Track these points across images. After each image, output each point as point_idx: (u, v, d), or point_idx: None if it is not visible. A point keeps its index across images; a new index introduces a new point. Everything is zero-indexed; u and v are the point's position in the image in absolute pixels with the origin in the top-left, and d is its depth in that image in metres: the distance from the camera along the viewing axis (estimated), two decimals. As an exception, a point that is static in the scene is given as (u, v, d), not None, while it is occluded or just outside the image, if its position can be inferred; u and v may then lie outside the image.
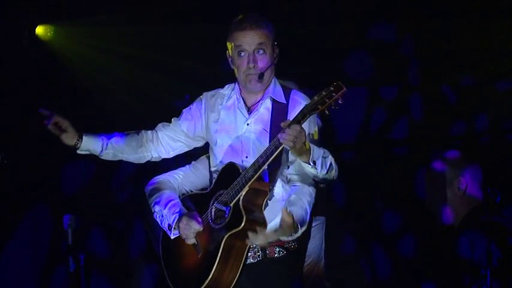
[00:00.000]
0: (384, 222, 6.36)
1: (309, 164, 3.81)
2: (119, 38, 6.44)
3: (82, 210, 6.37)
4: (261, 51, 4.00)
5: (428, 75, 6.30)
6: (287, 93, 4.07)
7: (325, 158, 3.87)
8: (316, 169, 3.83)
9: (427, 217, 5.69)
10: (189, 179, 4.24)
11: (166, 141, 4.24)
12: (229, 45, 4.08)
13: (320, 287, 4.91)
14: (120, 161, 4.30)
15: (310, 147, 3.80)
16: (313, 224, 4.50)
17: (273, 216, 3.93)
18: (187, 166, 4.30)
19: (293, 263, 4.03)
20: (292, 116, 3.85)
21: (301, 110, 3.75)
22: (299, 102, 4.01)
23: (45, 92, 6.47)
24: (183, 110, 4.27)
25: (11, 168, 4.44)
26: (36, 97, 6.43)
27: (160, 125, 4.28)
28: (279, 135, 3.74)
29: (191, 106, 4.24)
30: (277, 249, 3.97)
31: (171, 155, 4.29)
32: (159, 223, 4.11)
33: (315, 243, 4.80)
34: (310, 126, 3.96)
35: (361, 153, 6.29)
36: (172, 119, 4.27)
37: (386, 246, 6.34)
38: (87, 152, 4.21)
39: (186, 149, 4.29)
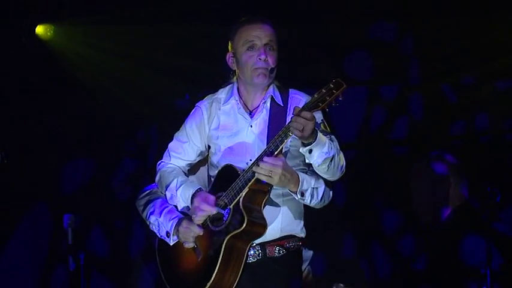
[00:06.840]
0: (384, 222, 6.36)
1: (296, 195, 3.78)
2: (119, 38, 6.45)
3: (82, 209, 6.36)
4: (271, 48, 3.93)
5: (428, 74, 6.30)
6: (285, 96, 4.00)
7: (316, 188, 3.84)
8: (304, 199, 3.81)
9: (426, 216, 5.71)
10: None
11: (186, 162, 4.12)
12: (234, 43, 3.97)
13: None
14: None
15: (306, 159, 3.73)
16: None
17: (275, 215, 3.93)
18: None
19: (293, 262, 4.00)
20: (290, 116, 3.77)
21: (302, 107, 3.66)
22: (299, 100, 3.97)
23: (45, 91, 6.47)
24: (186, 131, 4.10)
25: (11, 168, 4.44)
26: (36, 97, 6.44)
27: (171, 159, 4.11)
28: (289, 124, 3.64)
29: (193, 123, 4.09)
30: (277, 249, 3.94)
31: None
32: (156, 233, 4.02)
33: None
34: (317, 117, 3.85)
35: (361, 153, 6.28)
36: (181, 146, 4.09)
37: (386, 246, 6.34)
38: None
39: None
